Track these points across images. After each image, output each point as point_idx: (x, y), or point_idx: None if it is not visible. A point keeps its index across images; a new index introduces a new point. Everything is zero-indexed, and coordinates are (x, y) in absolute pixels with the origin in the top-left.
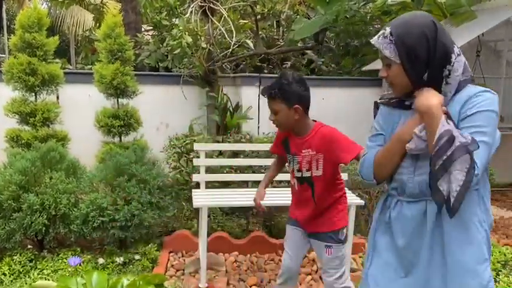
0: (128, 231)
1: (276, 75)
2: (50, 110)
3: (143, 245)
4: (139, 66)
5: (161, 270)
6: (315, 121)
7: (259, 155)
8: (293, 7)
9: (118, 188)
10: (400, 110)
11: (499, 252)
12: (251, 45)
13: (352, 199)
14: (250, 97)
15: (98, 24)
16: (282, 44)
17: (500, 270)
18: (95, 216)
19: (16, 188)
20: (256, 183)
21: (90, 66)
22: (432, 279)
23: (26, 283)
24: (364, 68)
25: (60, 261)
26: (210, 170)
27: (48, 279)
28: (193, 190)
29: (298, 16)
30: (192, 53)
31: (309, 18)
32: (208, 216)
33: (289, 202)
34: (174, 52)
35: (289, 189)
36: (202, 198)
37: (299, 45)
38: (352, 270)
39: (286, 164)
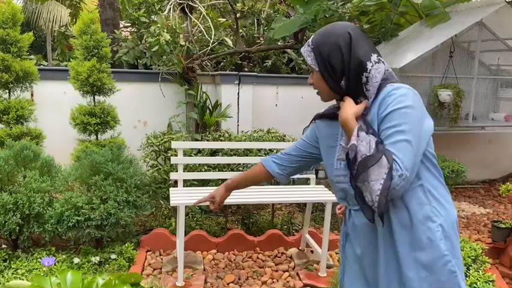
0: (104, 230)
1: (256, 73)
2: (24, 107)
3: (120, 244)
4: (117, 63)
5: (138, 269)
6: None
7: (238, 153)
8: (273, 6)
9: (94, 187)
10: (337, 122)
11: (470, 247)
12: (230, 43)
13: (328, 196)
14: (229, 95)
15: (74, 20)
16: (262, 42)
17: (471, 265)
18: (70, 215)
19: None
20: None
21: (66, 63)
22: (392, 285)
23: (0, 283)
24: None
25: (34, 260)
26: (188, 168)
27: (23, 279)
28: (171, 188)
29: (278, 15)
30: (170, 51)
31: (289, 17)
32: (187, 214)
33: (265, 200)
34: (153, 49)
35: (264, 187)
36: (180, 197)
37: (279, 43)
38: (328, 267)
39: None
